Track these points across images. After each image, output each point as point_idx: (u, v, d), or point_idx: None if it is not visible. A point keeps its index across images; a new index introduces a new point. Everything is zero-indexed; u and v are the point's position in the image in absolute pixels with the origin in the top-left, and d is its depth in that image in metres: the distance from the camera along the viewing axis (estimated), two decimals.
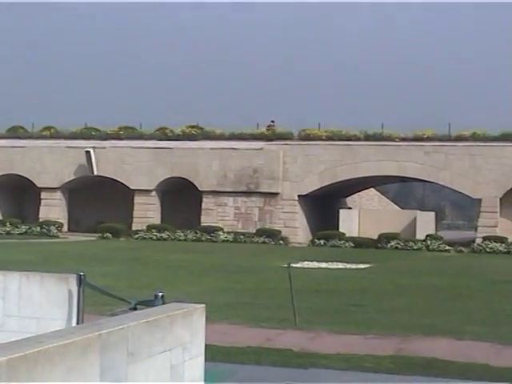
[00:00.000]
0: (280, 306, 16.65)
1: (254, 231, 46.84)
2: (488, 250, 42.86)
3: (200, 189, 48.97)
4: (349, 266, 31.48)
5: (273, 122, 51.14)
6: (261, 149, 48.74)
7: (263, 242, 45.53)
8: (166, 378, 5.77)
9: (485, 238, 43.77)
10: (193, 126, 52.18)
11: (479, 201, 46.26)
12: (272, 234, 46.24)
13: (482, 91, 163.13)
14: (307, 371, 10.82)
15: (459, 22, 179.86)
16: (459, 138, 47.41)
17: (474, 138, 47.18)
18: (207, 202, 48.91)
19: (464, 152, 46.23)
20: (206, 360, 6.54)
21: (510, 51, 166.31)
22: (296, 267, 26.34)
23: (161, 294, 7.29)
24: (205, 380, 6.55)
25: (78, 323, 7.55)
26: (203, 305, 6.55)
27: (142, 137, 51.85)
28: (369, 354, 11.80)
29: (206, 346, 6.57)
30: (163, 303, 7.04)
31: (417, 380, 10.44)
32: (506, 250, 42.69)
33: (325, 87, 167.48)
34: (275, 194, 48.08)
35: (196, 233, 46.85)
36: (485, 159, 45.79)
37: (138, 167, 49.85)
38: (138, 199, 50.03)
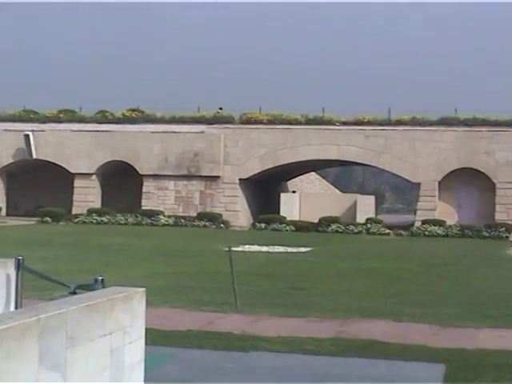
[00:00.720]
0: (221, 290, 16.64)
1: (195, 215, 46.77)
2: (427, 233, 43.43)
3: (141, 172, 48.70)
4: (290, 249, 31.60)
5: (221, 109, 50.97)
6: (202, 132, 48.62)
7: (204, 226, 45.48)
8: (106, 361, 5.72)
9: (424, 222, 44.33)
10: (133, 110, 51.83)
11: (418, 185, 46.81)
12: (213, 218, 46.21)
13: (422, 76, 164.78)
14: (248, 354, 10.83)
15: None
16: (399, 123, 47.89)
17: (414, 122, 47.70)
18: (148, 186, 48.67)
19: (403, 136, 46.71)
20: (146, 344, 6.50)
21: (448, 38, 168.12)
22: (237, 251, 26.35)
23: (101, 277, 7.22)
24: (145, 364, 6.52)
25: (16, 308, 7.45)
26: (144, 288, 6.51)
27: (81, 120, 51.29)
28: (310, 336, 11.86)
29: (147, 329, 6.53)
30: (103, 287, 6.97)
31: (357, 361, 10.53)
32: (444, 233, 43.30)
33: (266, 71, 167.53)
34: (216, 178, 48.03)
35: (136, 216, 46.59)
36: (424, 143, 46.32)
37: (78, 151, 49.35)
38: (78, 183, 49.57)
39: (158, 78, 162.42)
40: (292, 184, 59.37)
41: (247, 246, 31.69)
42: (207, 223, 45.85)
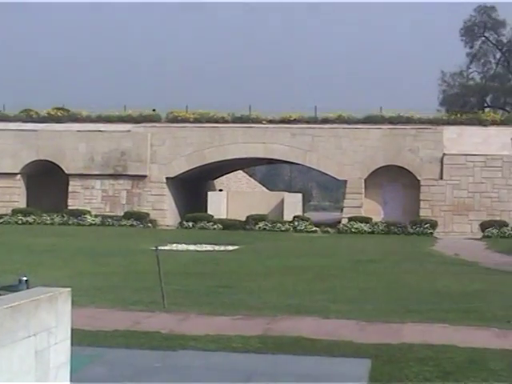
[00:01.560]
0: (148, 289, 16.57)
1: (122, 214, 46.45)
2: (353, 230, 43.88)
3: (67, 172, 48.14)
4: (217, 247, 31.63)
5: (154, 110, 50.66)
6: (128, 131, 48.30)
7: (131, 225, 45.21)
8: (30, 363, 5.66)
9: (350, 219, 44.77)
10: (58, 108, 51.23)
11: (345, 182, 47.24)
12: (140, 217, 45.95)
13: (347, 75, 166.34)
14: (176, 353, 10.81)
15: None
16: (325, 121, 48.30)
17: (340, 120, 48.17)
18: (74, 185, 48.14)
19: (330, 134, 47.10)
20: (72, 344, 6.45)
21: (374, 38, 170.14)
22: (165, 250, 26.31)
23: (25, 278, 7.15)
24: (71, 364, 6.47)
25: None
26: (69, 288, 6.46)
27: (5, 119, 50.48)
28: (237, 334, 11.89)
29: (73, 330, 6.48)
30: (27, 288, 6.90)
31: (284, 358, 10.59)
32: (370, 230, 43.83)
33: (192, 70, 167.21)
34: (143, 177, 47.76)
35: (63, 216, 46.07)
36: (350, 141, 46.77)
37: (2, 150, 48.50)
38: (2, 183, 48.73)
39: (83, 77, 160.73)
40: (219, 182, 59.40)
41: (175, 245, 31.61)
42: (134, 222, 45.57)
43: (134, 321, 12.98)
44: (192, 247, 31.56)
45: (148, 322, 12.90)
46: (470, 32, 74.13)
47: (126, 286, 17.93)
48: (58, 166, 48.25)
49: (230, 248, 31.46)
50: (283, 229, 44.55)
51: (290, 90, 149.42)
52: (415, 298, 16.66)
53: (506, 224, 42.92)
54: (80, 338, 9.80)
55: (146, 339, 11.49)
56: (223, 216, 47.44)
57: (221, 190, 53.90)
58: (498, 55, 75.36)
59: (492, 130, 47.49)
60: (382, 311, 14.42)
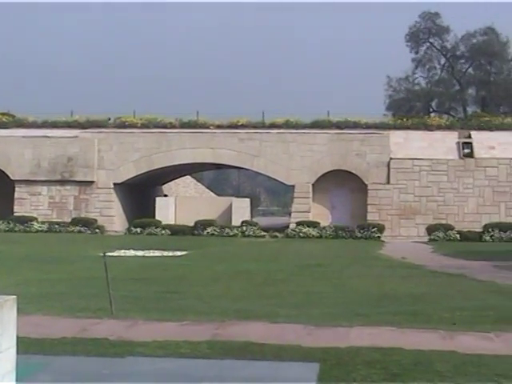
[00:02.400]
0: (96, 296, 16.46)
1: (70, 220, 46.06)
2: (301, 234, 44.04)
3: (12, 178, 47.59)
4: (165, 253, 31.52)
5: (109, 119, 50.29)
6: (75, 137, 47.92)
7: (79, 232, 44.84)
8: None
9: (298, 223, 44.93)
10: (3, 114, 50.65)
11: (292, 187, 47.40)
12: (88, 223, 45.61)
13: (294, 80, 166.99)
14: (124, 360, 10.77)
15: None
16: (273, 126, 48.45)
17: (287, 125, 48.37)
18: (20, 192, 47.61)
19: (277, 139, 47.25)
20: (18, 353, 6.39)
21: (322, 42, 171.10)
22: (112, 256, 26.15)
23: None
24: (17, 373, 6.40)
25: None
26: (14, 296, 6.40)
27: None
28: (185, 340, 11.88)
29: (19, 338, 6.42)
30: None
31: (233, 363, 10.61)
32: (318, 235, 44.02)
33: (140, 75, 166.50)
34: (90, 183, 47.41)
35: (9, 223, 45.52)
36: (297, 146, 46.96)
37: None
38: None
39: (28, 82, 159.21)
40: (167, 188, 59.22)
41: (123, 251, 31.43)
42: (82, 229, 45.21)
43: (82, 328, 12.89)
44: (140, 253, 31.40)
45: (95, 329, 12.82)
46: (415, 38, 74.98)
47: (73, 292, 17.78)
48: (3, 172, 47.69)
49: (179, 253, 31.38)
50: (231, 234, 44.57)
51: (237, 95, 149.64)
52: (363, 301, 16.79)
53: (451, 227, 43.43)
54: (26, 346, 9.72)
55: (93, 346, 11.41)
56: (171, 221, 47.29)
57: (166, 196, 53.74)
58: (443, 61, 76.30)
59: (437, 134, 48.07)
60: (329, 315, 14.50)
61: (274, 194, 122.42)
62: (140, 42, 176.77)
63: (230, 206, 48.48)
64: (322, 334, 12.60)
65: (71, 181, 47.39)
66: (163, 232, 44.87)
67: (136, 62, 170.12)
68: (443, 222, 44.35)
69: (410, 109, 72.05)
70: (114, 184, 47.61)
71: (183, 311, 14.90)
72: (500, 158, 45.79)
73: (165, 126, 48.80)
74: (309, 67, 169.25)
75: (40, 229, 45.09)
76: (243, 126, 48.36)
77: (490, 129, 48.21)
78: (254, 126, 48.39)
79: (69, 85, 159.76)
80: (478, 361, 10.74)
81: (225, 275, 22.64)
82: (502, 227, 42.92)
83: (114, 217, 47.32)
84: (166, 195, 54.33)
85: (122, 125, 49.07)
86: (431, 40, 75.37)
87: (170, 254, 31.32)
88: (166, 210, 47.99)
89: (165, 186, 58.42)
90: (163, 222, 45.96)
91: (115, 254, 29.34)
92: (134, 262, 27.34)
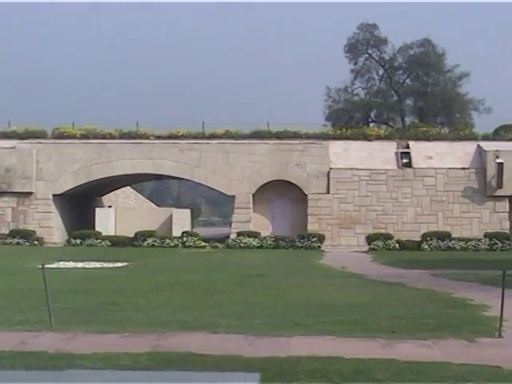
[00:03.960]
0: (35, 308, 16.27)
1: (8, 232, 45.49)
2: (242, 244, 44.11)
3: None
4: (106, 264, 31.29)
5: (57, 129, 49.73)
6: (13, 148, 47.37)
7: (17, 243, 44.33)
8: None
9: (239, 234, 45.01)
10: None
11: (233, 197, 47.46)
12: (26, 235, 45.08)
13: (234, 90, 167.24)
14: (63, 373, 10.67)
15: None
16: (213, 136, 48.49)
17: (227, 135, 48.44)
18: None
19: (217, 149, 47.30)
20: None
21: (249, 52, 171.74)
22: (51, 268, 25.91)
23: None
24: None
25: None
26: None
27: None
28: (126, 351, 11.82)
29: None
30: None
31: (173, 374, 10.59)
32: (258, 245, 44.14)
33: (80, 85, 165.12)
34: (29, 194, 46.89)
35: None
36: (237, 156, 47.07)
37: None
38: None
39: None
40: (107, 199, 58.81)
41: (62, 263, 31.12)
42: (20, 240, 44.68)
43: (20, 341, 12.73)
44: (80, 265, 31.12)
45: (34, 342, 12.67)
46: (354, 49, 75.65)
47: (10, 305, 17.53)
48: None
49: (119, 265, 31.18)
50: (172, 245, 44.46)
51: (177, 105, 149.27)
52: (303, 311, 16.86)
53: (390, 237, 43.90)
54: None
55: (32, 359, 11.28)
56: (111, 233, 47.00)
57: (110, 207, 53.39)
58: (381, 72, 77.10)
59: (376, 144, 48.60)
60: (270, 325, 14.54)
61: (214, 204, 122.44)
62: (78, 52, 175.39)
63: (171, 216, 48.36)
64: (263, 344, 12.63)
65: (9, 192, 46.82)
66: (103, 243, 44.57)
67: (74, 73, 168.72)
68: (382, 231, 44.81)
69: (349, 119, 72.64)
70: (53, 195, 47.18)
71: (123, 323, 14.81)
72: (437, 168, 46.46)
73: (104, 137, 48.53)
74: (249, 77, 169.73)
75: None
76: (183, 137, 48.34)
77: (427, 139, 48.91)
78: (194, 137, 48.41)
79: (6, 95, 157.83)
80: (417, 368, 10.88)
81: (165, 286, 22.54)
82: (440, 236, 43.53)
83: (53, 228, 46.86)
84: (110, 206, 53.94)
85: (61, 135, 48.65)
86: (369, 51, 76.13)
87: (111, 265, 31.10)
88: (106, 221, 47.66)
89: (105, 197, 58.01)
90: (103, 233, 45.67)
91: (54, 265, 29.06)
92: (73, 273, 27.07)
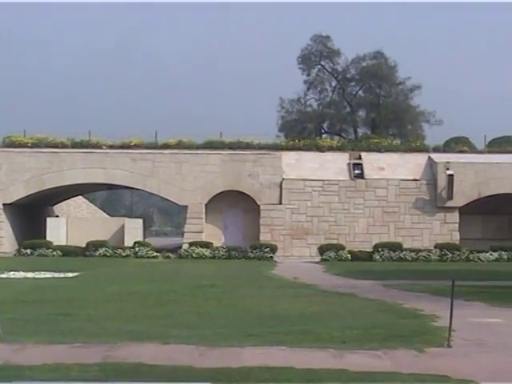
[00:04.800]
0: None
1: None
2: (194, 255, 44.02)
3: None
4: (57, 274, 30.99)
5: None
6: None
7: None
8: None
9: (191, 244, 44.91)
10: None
11: (185, 207, 47.38)
12: None
13: (187, 100, 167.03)
14: None
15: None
16: (166, 146, 48.42)
17: (180, 145, 48.41)
18: None
19: (170, 159, 47.22)
20: None
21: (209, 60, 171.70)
22: (1, 278, 25.61)
23: None
24: None
25: None
26: None
27: None
28: (76, 362, 11.72)
29: None
30: None
31: None
32: (211, 255, 44.09)
33: (30, 93, 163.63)
34: None
35: None
36: (190, 167, 47.04)
37: None
38: None
39: None
40: (59, 208, 58.34)
41: (12, 273, 30.76)
42: None
43: None
44: (30, 275, 30.75)
45: None
46: (307, 60, 76.00)
47: None
48: None
49: (70, 275, 30.90)
50: (124, 255, 44.25)
51: (130, 114, 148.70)
52: (255, 321, 16.86)
53: (342, 247, 44.10)
54: None
55: None
56: (63, 242, 46.64)
57: (57, 216, 52.97)
58: (334, 83, 77.57)
59: (329, 155, 48.90)
60: (221, 335, 14.52)
61: (167, 214, 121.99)
62: (27, 58, 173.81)
63: (123, 226, 48.16)
64: (214, 355, 12.62)
65: None
66: (54, 253, 44.20)
67: (24, 81, 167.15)
68: (334, 242, 45.04)
69: (302, 130, 72.90)
70: (4, 204, 46.70)
71: (74, 333, 14.69)
72: (389, 179, 46.87)
73: (56, 146, 48.18)
74: (202, 88, 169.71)
75: None
76: (136, 146, 48.21)
77: (379, 150, 49.36)
78: (147, 147, 48.32)
79: None
80: (367, 378, 10.94)
81: (117, 296, 22.39)
82: (391, 247, 43.84)
83: (3, 238, 46.37)
84: (57, 216, 53.51)
85: (12, 144, 48.19)
86: (322, 62, 76.55)
87: (62, 275, 30.81)
88: (58, 231, 47.28)
89: (56, 206, 57.54)
90: (54, 243, 45.30)
91: (4, 275, 28.75)
92: (23, 283, 26.77)
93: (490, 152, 49.92)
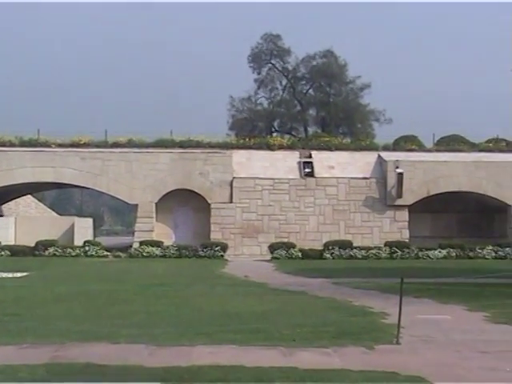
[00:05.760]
0: None
1: None
2: (145, 254, 43.82)
3: None
4: (5, 274, 30.62)
5: None
6: None
7: None
8: None
9: (142, 243, 44.71)
10: None
11: (136, 206, 47.16)
12: None
13: (137, 98, 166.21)
14: None
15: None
16: (116, 145, 48.15)
17: (130, 144, 48.19)
18: None
19: (120, 158, 46.96)
20: None
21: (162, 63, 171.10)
22: None
23: None
24: None
25: None
26: None
27: None
28: (24, 363, 11.60)
29: None
30: None
31: None
32: (162, 254, 43.93)
33: None
34: None
35: None
36: (140, 165, 46.83)
37: None
38: None
39: None
40: (7, 207, 57.67)
41: None
42: None
43: None
44: None
45: None
46: (258, 59, 76.06)
47: None
48: None
49: (19, 275, 30.57)
50: (74, 254, 43.89)
51: (79, 112, 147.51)
52: (205, 320, 16.84)
53: (293, 245, 44.22)
54: None
55: None
56: (11, 242, 46.10)
57: (1, 216, 52.37)
58: (284, 82, 77.71)
59: (279, 154, 49.04)
60: (171, 334, 14.49)
61: (118, 213, 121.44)
62: None
63: (73, 225, 47.78)
64: (164, 354, 12.59)
65: None
66: (2, 253, 43.69)
67: None
68: (285, 240, 45.15)
69: (252, 128, 72.95)
70: None
71: (22, 334, 14.53)
72: (339, 177, 47.13)
73: (4, 145, 47.65)
74: (152, 85, 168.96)
75: None
76: (86, 145, 47.87)
77: (329, 149, 49.63)
78: (97, 145, 48.00)
79: None
80: (316, 376, 11.00)
81: (66, 296, 22.21)
82: (342, 245, 44.04)
83: None
84: (1, 215, 52.89)
85: None
86: (273, 61, 76.67)
87: (10, 275, 30.46)
88: (6, 231, 46.74)
89: (4, 205, 56.86)
90: (2, 243, 44.77)
91: None
92: None
93: (438, 150, 50.48)
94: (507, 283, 25.12)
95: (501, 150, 50.67)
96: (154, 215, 46.81)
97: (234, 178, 46.79)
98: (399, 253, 43.93)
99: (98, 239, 49.45)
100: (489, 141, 52.26)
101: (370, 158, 48.86)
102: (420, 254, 44.12)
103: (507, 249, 44.77)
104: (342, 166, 48.31)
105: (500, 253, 44.58)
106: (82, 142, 48.03)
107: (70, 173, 46.92)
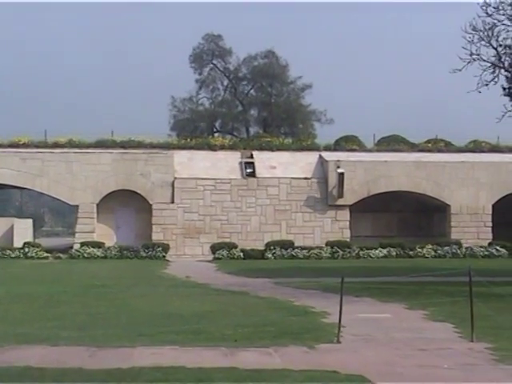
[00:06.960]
0: None
1: None
2: (86, 255, 43.48)
3: None
4: None
5: None
6: None
7: None
8: None
9: (82, 244, 44.34)
10: None
11: (76, 207, 46.72)
12: None
13: (77, 99, 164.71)
14: None
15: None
16: (56, 145, 47.67)
17: (71, 144, 47.76)
18: None
19: (60, 159, 46.47)
20: None
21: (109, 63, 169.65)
22: None
23: None
24: None
25: None
26: None
27: None
28: None
29: None
30: None
31: None
32: (103, 255, 43.65)
33: None
34: None
35: None
36: (81, 166, 46.40)
37: None
38: None
39: None
40: None
41: None
42: None
43: None
44: None
45: None
46: (199, 59, 75.82)
47: None
48: None
49: None
50: (13, 256, 43.37)
51: (17, 112, 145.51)
52: (146, 321, 16.78)
53: (235, 246, 44.26)
54: None
55: None
56: None
57: None
58: (226, 82, 77.66)
59: (221, 154, 49.02)
60: (112, 336, 14.41)
61: (58, 214, 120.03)
62: None
63: (12, 227, 47.24)
64: (105, 356, 12.52)
65: None
66: None
67: None
68: (227, 240, 45.15)
69: (194, 129, 72.70)
70: None
71: None
72: (281, 178, 47.27)
73: None
74: (92, 85, 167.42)
75: None
76: (25, 145, 47.33)
77: (271, 149, 49.78)
78: (37, 146, 47.47)
79: None
80: (257, 376, 11.03)
81: (4, 299, 21.92)
82: (283, 245, 44.20)
83: None
84: None
85: None
86: (214, 61, 76.54)
87: None
88: None
89: None
90: None
91: None
92: None
93: (378, 150, 50.95)
94: (446, 281, 25.45)
95: (439, 150, 51.33)
96: (96, 216, 46.42)
97: (175, 178, 46.63)
98: (340, 252, 44.21)
99: (38, 240, 48.94)
100: (428, 141, 52.88)
101: (312, 158, 49.09)
102: (361, 253, 44.47)
103: (446, 248, 45.40)
104: (283, 166, 48.45)
105: (439, 251, 45.19)
106: (21, 143, 47.45)
107: (9, 173, 46.27)
